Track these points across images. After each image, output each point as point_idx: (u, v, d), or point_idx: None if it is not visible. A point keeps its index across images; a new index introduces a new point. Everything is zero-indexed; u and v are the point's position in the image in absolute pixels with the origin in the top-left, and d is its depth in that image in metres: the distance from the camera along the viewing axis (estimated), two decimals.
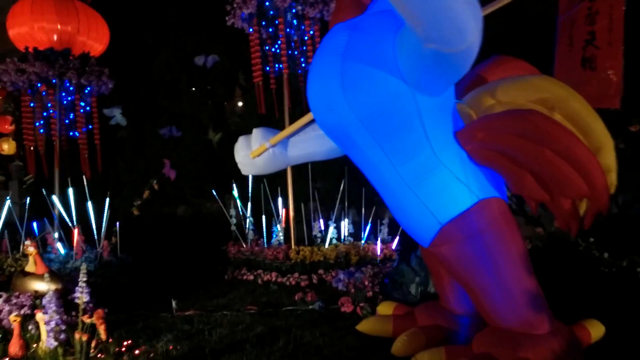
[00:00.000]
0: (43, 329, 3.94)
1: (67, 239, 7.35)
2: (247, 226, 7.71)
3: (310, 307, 5.36)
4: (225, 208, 7.93)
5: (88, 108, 7.81)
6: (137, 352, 3.96)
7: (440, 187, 3.16)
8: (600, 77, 3.65)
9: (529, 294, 3.19)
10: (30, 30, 7.29)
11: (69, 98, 7.65)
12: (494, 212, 3.22)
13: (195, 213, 11.14)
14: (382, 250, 7.02)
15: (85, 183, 7.24)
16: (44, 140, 7.68)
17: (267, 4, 6.70)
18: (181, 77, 10.09)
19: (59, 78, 7.30)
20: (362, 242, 7.15)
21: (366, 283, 4.77)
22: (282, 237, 7.27)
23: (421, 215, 3.23)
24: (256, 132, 4.18)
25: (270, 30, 7.09)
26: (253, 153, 4.11)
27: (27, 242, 4.72)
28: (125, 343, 4.09)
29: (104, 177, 8.15)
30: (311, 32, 6.80)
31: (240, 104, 10.79)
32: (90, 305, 4.60)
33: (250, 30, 6.97)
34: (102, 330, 3.33)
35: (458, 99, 3.34)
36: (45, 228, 7.49)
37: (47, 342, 3.37)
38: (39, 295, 4.52)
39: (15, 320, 4.00)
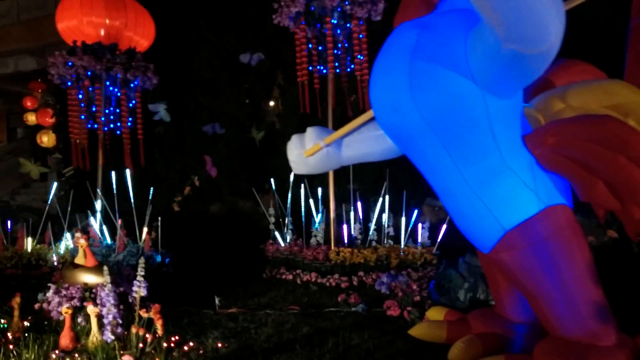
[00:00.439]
0: (94, 321, 3.99)
1: (109, 232, 7.46)
2: (286, 225, 7.70)
3: (353, 309, 5.31)
4: (264, 207, 7.93)
5: (132, 103, 7.90)
6: (186, 348, 3.96)
7: (507, 192, 3.08)
8: None
9: (595, 304, 3.09)
10: (79, 24, 7.41)
11: (115, 92, 7.75)
12: (560, 219, 3.12)
13: (229, 211, 11.21)
14: (422, 254, 6.93)
15: (127, 177, 7.34)
16: (88, 134, 7.80)
17: (314, 2, 6.67)
18: (221, 74, 10.14)
19: (106, 72, 7.40)
20: (402, 245, 7.06)
21: (414, 287, 4.70)
22: (321, 238, 7.23)
23: (484, 220, 3.16)
24: (310, 131, 4.15)
25: (316, 29, 7.07)
26: (307, 152, 4.08)
27: (78, 234, 4.77)
28: (173, 339, 4.10)
29: (142, 173, 8.22)
30: (359, 34, 6.74)
31: (271, 103, 10.79)
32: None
33: (296, 29, 6.96)
34: (159, 325, 3.34)
35: (525, 103, 3.26)
36: (87, 220, 7.62)
37: (103, 335, 3.39)
38: (88, 288, 4.57)
39: (67, 312, 4.06)
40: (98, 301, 4.44)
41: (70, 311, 4.02)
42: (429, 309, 4.48)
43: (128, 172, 7.33)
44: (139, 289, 3.39)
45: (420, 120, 3.03)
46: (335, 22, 6.78)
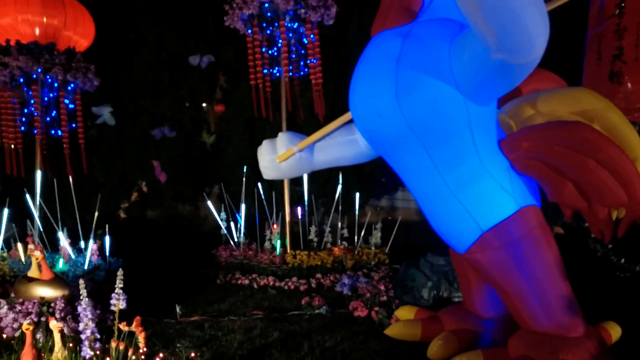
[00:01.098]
0: (58, 337, 3.77)
1: (49, 242, 7.05)
2: (239, 230, 7.60)
3: (317, 311, 5.35)
4: (215, 211, 7.78)
5: (72, 106, 7.51)
6: (157, 359, 3.84)
7: (485, 194, 3.23)
8: (627, 91, 3.83)
9: (565, 298, 3.30)
10: (13, 22, 6.92)
11: (52, 95, 7.34)
12: (532, 219, 3.31)
13: (171, 216, 10.92)
14: (375, 254, 7.07)
15: (65, 184, 6.98)
16: (22, 139, 7.35)
17: (266, 5, 6.64)
18: (162, 76, 9.84)
19: (44, 73, 6.98)
20: (357, 246, 7.17)
21: (382, 287, 4.79)
22: (276, 242, 7.20)
23: (462, 221, 3.29)
24: (282, 136, 4.15)
25: (268, 32, 7.04)
26: (280, 157, 4.07)
27: (31, 246, 4.51)
28: (141, 351, 3.96)
29: (77, 179, 7.83)
30: (311, 36, 6.78)
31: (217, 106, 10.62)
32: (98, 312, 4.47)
33: (249, 31, 6.89)
34: (142, 338, 3.21)
35: (497, 109, 3.43)
36: (12, 229, 7.17)
37: (81, 352, 3.22)
38: (45, 302, 4.33)
39: (28, 329, 3.81)
40: (57, 315, 4.24)
41: (31, 327, 3.76)
42: (397, 308, 4.59)
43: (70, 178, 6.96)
44: (118, 302, 3.25)
45: (404, 126, 3.11)
46: (288, 25, 6.78)
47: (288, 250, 7.03)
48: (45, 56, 6.93)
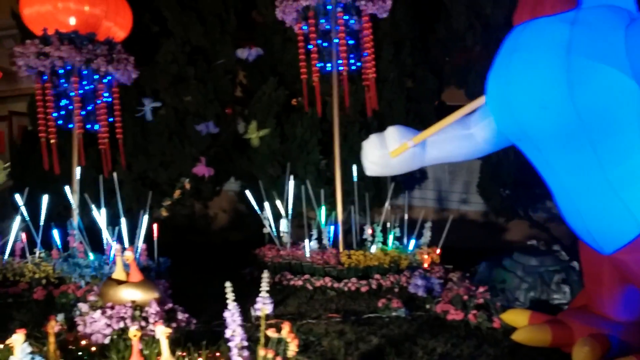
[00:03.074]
0: (165, 344, 3.50)
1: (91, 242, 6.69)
2: (284, 229, 7.36)
3: (394, 314, 5.17)
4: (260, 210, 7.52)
5: (109, 99, 7.16)
6: None
7: None
8: None
9: None
10: (53, 11, 6.55)
11: (89, 87, 6.97)
12: None
13: (193, 214, 10.62)
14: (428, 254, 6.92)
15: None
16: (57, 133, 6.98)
17: None
18: (187, 70, 9.50)
19: (85, 64, 6.62)
20: (410, 246, 6.99)
21: (481, 289, 4.62)
22: (327, 241, 6.98)
23: (620, 219, 3.14)
24: (393, 131, 3.93)
25: (320, 25, 6.81)
26: (394, 152, 3.85)
27: (118, 246, 4.21)
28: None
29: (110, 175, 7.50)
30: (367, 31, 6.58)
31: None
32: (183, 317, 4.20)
33: (304, 26, 6.66)
34: (295, 345, 2.96)
35: None
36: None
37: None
38: (136, 306, 4.03)
39: (135, 336, 3.53)
40: (151, 320, 3.95)
41: (139, 334, 3.49)
42: (500, 311, 4.43)
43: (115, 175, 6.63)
44: (264, 306, 3.00)
45: (574, 117, 2.95)
46: (347, 18, 6.56)
47: (341, 250, 6.82)
48: (88, 46, 6.56)
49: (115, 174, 6.64)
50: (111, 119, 7.23)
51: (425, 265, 6.82)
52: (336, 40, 6.72)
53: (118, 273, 4.20)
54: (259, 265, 7.23)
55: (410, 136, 3.91)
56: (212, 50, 9.84)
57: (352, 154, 8.59)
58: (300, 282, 6.56)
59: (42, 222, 6.63)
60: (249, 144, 9.81)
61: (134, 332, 3.53)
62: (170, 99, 9.64)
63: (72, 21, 6.71)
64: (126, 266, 4.35)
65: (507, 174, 8.61)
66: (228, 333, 2.92)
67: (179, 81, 9.55)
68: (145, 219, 6.30)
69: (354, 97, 7.86)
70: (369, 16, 6.57)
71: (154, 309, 3.97)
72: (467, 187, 10.71)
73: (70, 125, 6.93)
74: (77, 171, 6.82)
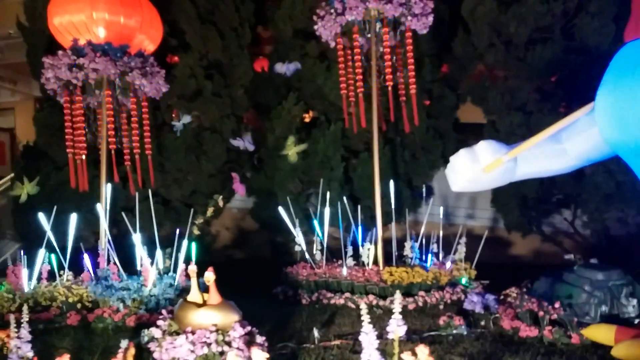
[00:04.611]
0: None
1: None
2: (316, 246, 7.22)
3: (455, 331, 5.06)
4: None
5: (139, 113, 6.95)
6: None
7: None
8: None
9: None
10: (87, 21, 6.33)
11: (122, 101, 6.76)
12: None
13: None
14: (466, 269, 6.88)
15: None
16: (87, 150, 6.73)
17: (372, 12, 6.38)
18: (205, 84, 9.32)
19: (120, 77, 6.41)
20: (448, 263, 6.93)
21: (556, 305, 4.55)
22: (368, 259, 6.86)
23: None
24: (486, 145, 3.84)
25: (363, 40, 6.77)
26: (488, 167, 3.77)
27: (192, 267, 4.01)
28: None
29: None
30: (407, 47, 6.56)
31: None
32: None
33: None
34: None
35: None
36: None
37: None
38: (218, 330, 3.82)
39: None
40: (234, 345, 3.75)
41: None
42: (578, 326, 4.37)
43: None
44: (398, 328, 2.86)
45: None
46: (390, 33, 6.53)
47: (381, 267, 6.71)
48: (124, 59, 6.36)
49: (149, 192, 6.40)
50: None
51: (463, 281, 6.78)
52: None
53: (194, 295, 3.99)
54: (291, 283, 7.06)
55: (502, 150, 3.83)
56: (230, 64, 9.70)
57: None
58: (341, 301, 6.41)
59: (69, 243, 6.33)
60: (265, 160, 9.69)
61: (233, 358, 3.36)
62: (184, 114, 9.44)
63: (102, 32, 6.51)
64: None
65: (529, 189, 8.65)
66: (364, 357, 2.75)
67: (196, 95, 9.37)
68: (184, 238, 6.07)
69: (386, 113, 7.80)
70: (411, 32, 6.55)
71: (238, 332, 3.78)
72: (473, 202, 10.76)
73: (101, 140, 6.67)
74: (108, 188, 6.55)
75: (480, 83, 9.43)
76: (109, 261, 6.35)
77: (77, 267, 6.39)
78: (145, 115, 7.01)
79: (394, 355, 2.86)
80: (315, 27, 6.67)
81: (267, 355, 3.31)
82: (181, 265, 6.10)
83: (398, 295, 2.98)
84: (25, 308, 3.57)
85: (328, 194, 7.65)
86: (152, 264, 6.10)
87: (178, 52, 9.35)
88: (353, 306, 6.26)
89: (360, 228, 7.10)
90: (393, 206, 7.12)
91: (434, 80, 9.64)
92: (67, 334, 5.34)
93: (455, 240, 6.98)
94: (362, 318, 2.77)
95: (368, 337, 2.73)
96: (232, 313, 3.89)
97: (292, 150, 8.45)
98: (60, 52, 6.31)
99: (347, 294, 6.46)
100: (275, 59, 10.03)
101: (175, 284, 6.02)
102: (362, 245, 6.91)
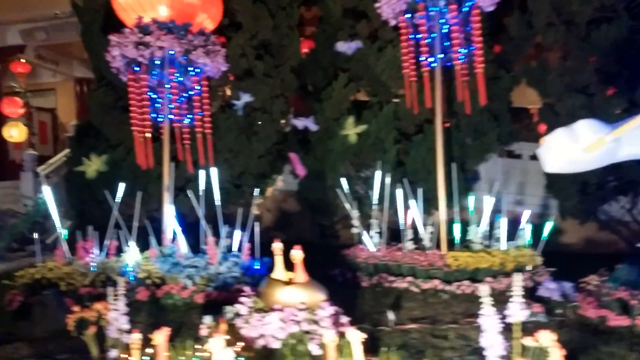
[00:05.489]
0: (359, 350, 3.28)
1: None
2: (374, 229, 7.13)
3: (534, 318, 4.94)
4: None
5: (199, 91, 6.91)
6: None
7: None
8: None
9: None
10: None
11: (184, 79, 6.72)
12: None
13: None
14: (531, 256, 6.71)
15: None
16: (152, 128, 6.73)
17: None
18: (256, 65, 9.25)
19: (184, 55, 6.36)
20: (513, 247, 6.78)
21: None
22: (427, 242, 6.76)
23: None
24: (586, 124, 3.70)
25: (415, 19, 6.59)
26: (590, 147, 3.63)
27: (278, 245, 3.96)
28: None
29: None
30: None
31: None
32: None
33: (408, 17, 6.44)
34: (559, 355, 2.72)
35: None
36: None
37: None
38: (306, 308, 3.78)
39: (334, 342, 3.30)
40: (324, 324, 3.70)
41: (337, 341, 3.26)
42: None
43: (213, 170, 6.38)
44: (520, 313, 2.77)
45: None
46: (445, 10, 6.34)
47: (444, 251, 6.60)
48: (187, 37, 6.31)
49: (215, 170, 6.38)
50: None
51: (529, 267, 6.63)
52: (433, 35, 6.53)
53: (278, 273, 3.95)
54: (349, 266, 7.01)
55: (604, 130, 3.69)
56: (279, 44, 9.59)
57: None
58: (404, 284, 6.34)
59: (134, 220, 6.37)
60: (312, 141, 9.59)
61: (333, 337, 3.31)
62: (236, 94, 9.38)
63: (165, 11, 6.45)
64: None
65: (591, 174, 8.40)
66: (485, 340, 2.67)
67: (246, 76, 9.30)
68: (251, 216, 6.05)
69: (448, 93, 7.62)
70: (479, 8, 6.35)
71: (327, 311, 3.73)
72: (522, 188, 10.53)
73: (163, 119, 6.66)
74: (172, 166, 6.55)
75: (536, 64, 9.17)
76: (173, 239, 6.38)
77: (139, 244, 6.43)
78: (205, 94, 6.97)
79: (514, 340, 2.76)
80: (377, 4, 6.51)
81: (365, 336, 3.25)
82: (246, 244, 6.09)
83: (518, 277, 2.88)
84: (121, 281, 3.59)
85: (381, 176, 7.55)
86: (217, 243, 6.11)
87: (229, 32, 9.22)
88: (417, 290, 6.20)
89: (419, 211, 6.99)
90: (456, 190, 6.95)
91: (486, 61, 9.38)
92: (139, 309, 5.41)
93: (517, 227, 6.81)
94: (482, 301, 2.68)
95: (490, 320, 2.65)
96: (319, 292, 3.86)
97: (352, 131, 8.33)
98: (126, 30, 6.29)
99: (410, 278, 6.38)
100: (322, 40, 9.89)
101: (240, 262, 6.02)
102: (424, 229, 6.80)
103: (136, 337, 3.24)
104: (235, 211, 6.61)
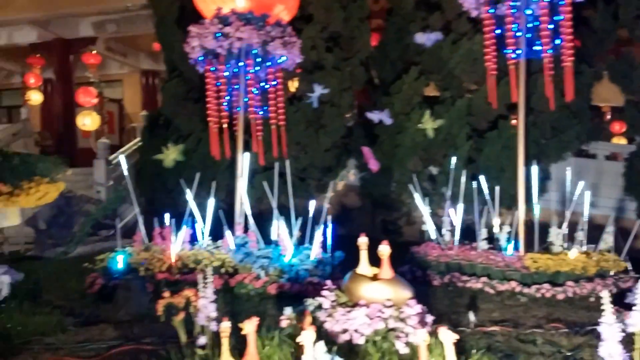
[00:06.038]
0: (451, 350, 3.14)
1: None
2: (446, 226, 6.95)
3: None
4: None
5: (274, 83, 6.91)
6: None
7: None
8: None
9: None
10: None
11: (259, 70, 6.74)
12: None
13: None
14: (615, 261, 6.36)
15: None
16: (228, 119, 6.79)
17: None
18: (326, 57, 9.19)
19: (262, 47, 6.37)
20: (596, 249, 6.45)
21: None
22: (506, 242, 6.52)
23: None
24: None
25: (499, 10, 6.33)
26: None
27: (365, 239, 3.88)
28: None
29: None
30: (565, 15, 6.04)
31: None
32: None
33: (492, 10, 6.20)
34: None
35: None
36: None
37: None
38: (391, 306, 3.69)
39: (426, 341, 3.19)
40: (411, 322, 3.59)
41: (429, 340, 3.14)
42: None
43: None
44: None
45: None
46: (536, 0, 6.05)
47: (522, 252, 6.34)
48: (266, 28, 6.30)
49: (287, 163, 6.37)
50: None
51: (612, 272, 6.29)
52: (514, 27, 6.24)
53: (363, 268, 3.87)
54: (418, 264, 6.85)
55: None
56: (349, 37, 9.50)
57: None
58: (478, 285, 6.13)
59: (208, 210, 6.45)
60: (381, 136, 9.45)
61: (425, 336, 3.20)
62: (305, 87, 9.37)
63: (243, 2, 6.48)
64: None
65: None
66: (604, 349, 2.50)
67: (315, 68, 9.26)
68: (325, 209, 6.01)
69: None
70: None
71: (415, 309, 3.63)
72: (596, 189, 10.01)
73: (239, 110, 6.71)
74: (246, 157, 6.59)
75: (621, 59, 8.69)
76: (245, 229, 6.42)
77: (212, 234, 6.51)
78: (280, 85, 6.97)
79: (635, 350, 2.56)
80: None
81: (457, 336, 3.12)
82: (318, 237, 6.06)
83: None
84: (209, 269, 3.61)
85: (453, 172, 7.34)
86: (290, 234, 6.11)
87: (299, 24, 9.19)
88: (492, 291, 5.99)
89: (495, 210, 6.75)
90: (536, 190, 6.67)
91: None
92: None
93: (608, 230, 6.48)
94: (603, 307, 2.51)
95: (610, 328, 2.47)
96: (405, 289, 3.75)
97: (430, 125, 8.15)
98: (207, 21, 6.35)
99: (484, 279, 6.17)
100: (392, 32, 9.73)
101: (312, 255, 5.99)
102: (500, 229, 6.57)
103: (226, 325, 3.23)
104: (299, 204, 6.68)
